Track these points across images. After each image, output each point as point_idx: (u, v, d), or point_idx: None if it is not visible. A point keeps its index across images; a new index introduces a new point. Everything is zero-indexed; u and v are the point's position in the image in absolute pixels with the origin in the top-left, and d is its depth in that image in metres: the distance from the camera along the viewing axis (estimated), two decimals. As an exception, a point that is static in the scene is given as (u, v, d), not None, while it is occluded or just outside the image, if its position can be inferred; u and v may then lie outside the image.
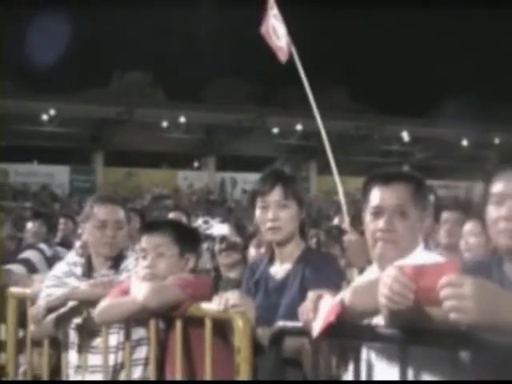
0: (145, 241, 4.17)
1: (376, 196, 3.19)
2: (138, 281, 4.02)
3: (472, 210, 5.81)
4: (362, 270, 5.29)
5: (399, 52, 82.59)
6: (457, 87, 66.46)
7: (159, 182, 46.76)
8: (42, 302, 4.36)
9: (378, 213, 3.16)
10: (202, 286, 3.98)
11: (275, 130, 47.49)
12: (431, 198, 3.46)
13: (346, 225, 6.28)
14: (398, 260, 2.94)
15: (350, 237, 5.65)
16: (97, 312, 4.03)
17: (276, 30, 8.59)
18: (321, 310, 2.90)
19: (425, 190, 3.29)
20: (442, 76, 73.66)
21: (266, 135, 47.53)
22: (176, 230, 4.25)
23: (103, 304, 4.00)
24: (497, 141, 48.69)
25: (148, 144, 47.65)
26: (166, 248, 4.13)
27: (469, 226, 5.25)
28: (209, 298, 3.66)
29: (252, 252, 6.14)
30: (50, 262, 6.13)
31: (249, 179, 42.60)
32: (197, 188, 48.09)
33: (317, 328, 2.87)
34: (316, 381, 3.16)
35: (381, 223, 3.13)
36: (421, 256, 3.11)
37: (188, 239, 4.25)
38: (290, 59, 8.33)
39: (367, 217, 3.22)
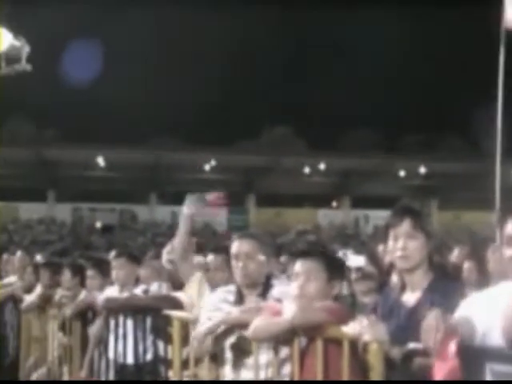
0: (298, 265, 4.08)
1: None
2: (289, 301, 3.94)
3: None
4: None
5: None
6: None
7: (302, 220, 46.89)
8: (202, 329, 4.33)
9: None
10: (345, 314, 3.84)
11: (401, 173, 47.00)
12: None
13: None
14: None
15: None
16: (251, 329, 3.96)
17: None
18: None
19: None
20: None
21: (393, 177, 47.11)
22: (327, 258, 4.13)
23: (256, 323, 3.93)
24: None
25: (292, 187, 48.05)
26: (316, 273, 4.01)
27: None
28: (346, 323, 3.54)
29: (394, 278, 5.94)
30: None
31: (380, 216, 42.21)
32: (335, 224, 48.02)
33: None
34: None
35: None
36: None
37: (336, 268, 4.12)
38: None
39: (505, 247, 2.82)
